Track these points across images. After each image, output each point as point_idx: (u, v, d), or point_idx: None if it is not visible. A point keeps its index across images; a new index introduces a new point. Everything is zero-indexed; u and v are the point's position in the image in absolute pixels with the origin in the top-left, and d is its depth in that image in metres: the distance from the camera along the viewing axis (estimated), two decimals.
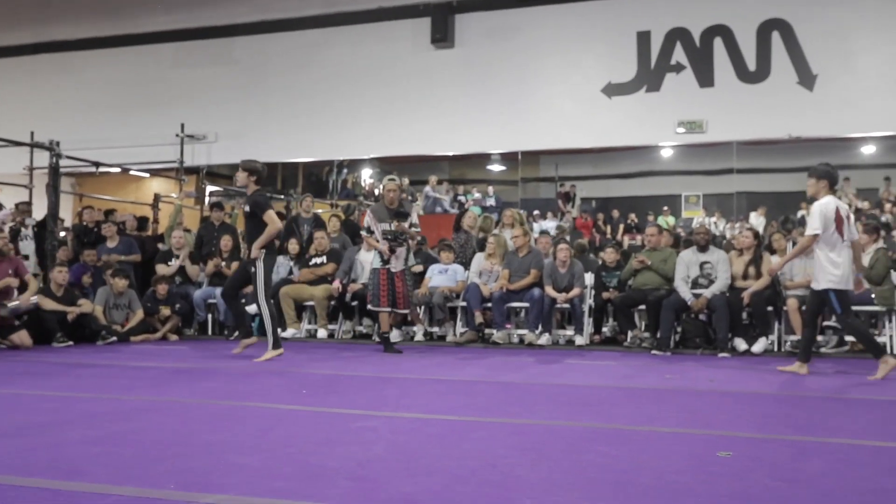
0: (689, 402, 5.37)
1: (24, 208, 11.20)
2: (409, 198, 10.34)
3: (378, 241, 8.34)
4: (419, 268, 10.30)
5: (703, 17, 10.97)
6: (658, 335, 8.88)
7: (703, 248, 9.19)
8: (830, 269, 6.53)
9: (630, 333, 9.44)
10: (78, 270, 10.37)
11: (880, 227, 11.41)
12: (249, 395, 5.40)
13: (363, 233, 8.84)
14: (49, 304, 9.23)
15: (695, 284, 9.01)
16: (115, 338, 9.47)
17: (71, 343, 9.16)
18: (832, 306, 6.68)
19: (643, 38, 11.17)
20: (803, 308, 8.71)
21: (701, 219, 15.51)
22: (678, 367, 7.50)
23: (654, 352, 8.73)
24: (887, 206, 15.58)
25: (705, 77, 10.93)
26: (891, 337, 8.80)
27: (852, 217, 6.97)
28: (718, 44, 10.89)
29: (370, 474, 3.14)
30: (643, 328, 9.44)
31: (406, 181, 18.27)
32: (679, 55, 11.02)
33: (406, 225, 8.40)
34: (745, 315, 8.98)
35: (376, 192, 18.45)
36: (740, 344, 8.76)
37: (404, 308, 8.64)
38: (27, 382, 6.12)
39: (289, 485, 2.98)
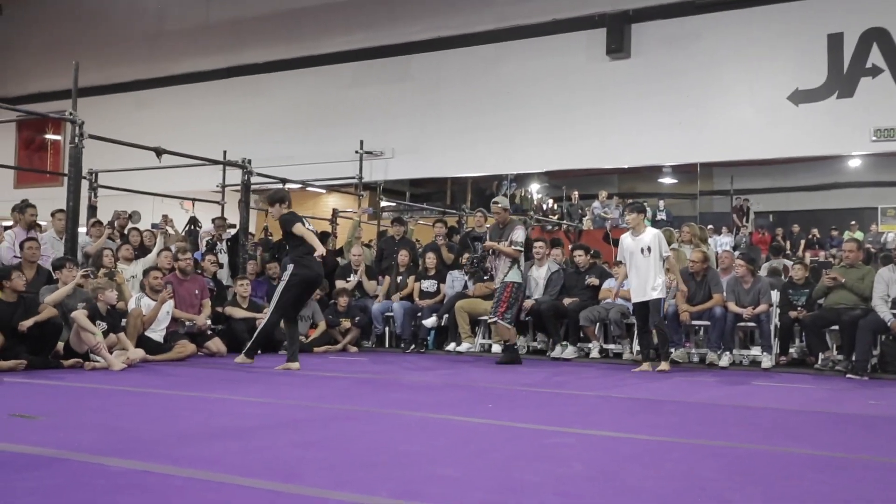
0: None
1: (220, 223, 11.87)
2: (518, 218, 10.75)
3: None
4: (595, 281, 10.22)
5: None
6: (854, 358, 8.40)
7: None
8: None
9: (821, 355, 8.99)
10: (261, 284, 10.86)
11: None
12: (437, 407, 5.51)
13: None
14: (238, 313, 9.77)
15: (895, 304, 8.48)
16: None
17: (258, 351, 9.63)
18: None
19: (835, 41, 10.66)
20: None
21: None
22: (880, 392, 7.09)
23: (849, 375, 8.26)
24: None
25: None
26: None
27: None
28: None
29: (574, 490, 3.14)
30: (836, 350, 8.96)
31: (576, 194, 18.22)
32: (875, 57, 10.44)
33: (507, 243, 8.77)
34: None
35: (545, 206, 18.47)
36: None
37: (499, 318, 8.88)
38: (230, 388, 6.49)
39: (494, 497, 3.02)
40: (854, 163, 14.39)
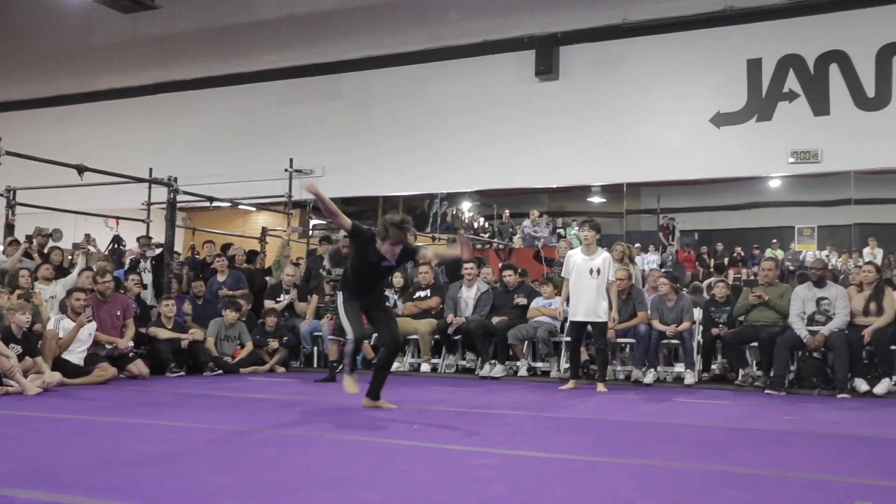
0: (815, 445, 5.20)
1: (144, 242, 11.63)
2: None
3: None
4: (523, 300, 10.28)
5: (818, 43, 10.72)
6: (772, 374, 8.62)
7: (819, 283, 8.90)
8: None
9: (741, 371, 9.19)
10: (179, 301, 10.62)
11: None
12: (362, 429, 5.46)
13: (323, 273, 9.59)
14: (163, 334, 9.59)
15: (811, 321, 8.72)
16: (220, 370, 9.74)
17: (182, 373, 9.48)
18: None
19: (754, 66, 10.99)
20: None
21: (814, 252, 15.04)
22: (796, 407, 7.27)
23: (767, 391, 8.47)
24: None
25: (820, 105, 10.66)
26: None
27: None
28: (834, 70, 10.63)
29: None
30: (755, 366, 9.17)
31: (507, 212, 18.36)
32: (792, 83, 10.79)
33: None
34: (865, 354, 8.63)
35: (476, 224, 18.59)
36: (861, 384, 8.42)
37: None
38: (150, 412, 6.35)
39: None
40: (773, 183, 14.79)
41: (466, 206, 18.49)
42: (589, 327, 8.80)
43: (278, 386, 8.65)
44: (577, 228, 17.48)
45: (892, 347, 8.54)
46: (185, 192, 11.57)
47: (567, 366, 9.77)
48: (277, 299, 11.07)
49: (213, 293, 11.21)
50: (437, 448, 4.70)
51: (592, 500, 3.43)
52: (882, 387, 8.29)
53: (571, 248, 12.54)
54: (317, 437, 5.10)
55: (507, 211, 18.36)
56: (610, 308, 8.59)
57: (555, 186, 13.62)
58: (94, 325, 8.65)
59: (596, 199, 18.16)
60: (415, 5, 12.84)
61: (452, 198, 17.45)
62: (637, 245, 16.45)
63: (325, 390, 8.23)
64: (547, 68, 11.91)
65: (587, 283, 8.49)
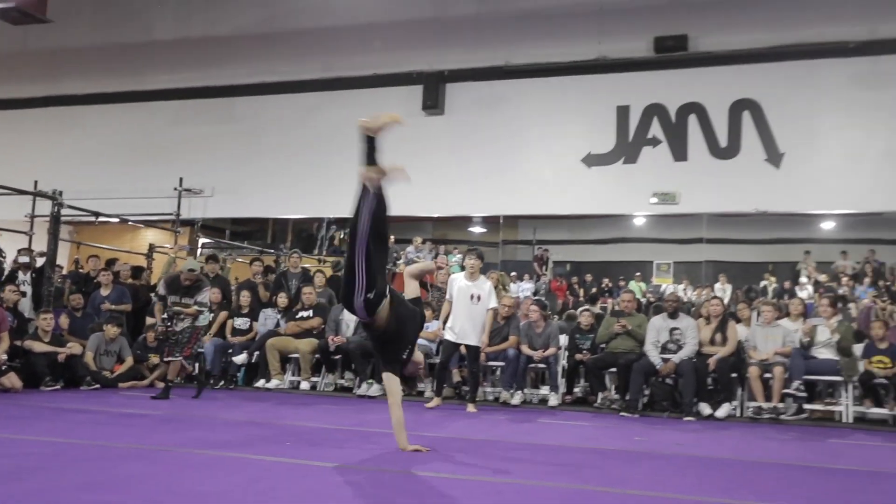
0: (658, 465, 5.38)
1: (25, 254, 11.13)
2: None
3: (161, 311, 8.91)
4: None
5: (679, 95, 11.17)
6: (627, 397, 8.92)
7: (672, 315, 9.28)
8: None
9: (601, 395, 9.45)
10: (58, 314, 10.17)
11: (839, 299, 11.60)
12: (234, 445, 5.37)
13: (155, 298, 9.30)
14: (39, 347, 9.18)
15: (664, 349, 9.08)
16: (98, 385, 9.40)
17: (58, 387, 9.10)
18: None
19: (622, 113, 11.36)
20: (765, 375, 8.83)
21: (671, 286, 15.65)
22: (647, 429, 7.52)
23: (623, 413, 8.75)
24: (843, 278, 15.83)
25: (679, 151, 11.09)
26: (847, 406, 8.88)
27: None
28: (693, 120, 11.08)
29: None
30: (613, 390, 9.45)
31: (391, 238, 18.35)
32: (656, 130, 11.20)
33: (192, 301, 8.53)
34: (710, 380, 9.03)
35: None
36: (705, 408, 8.80)
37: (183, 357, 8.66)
38: (18, 426, 6.06)
39: None
40: (637, 221, 15.38)
41: None
42: (463, 349, 8.91)
43: (155, 402, 8.39)
44: (457, 255, 17.75)
45: (733, 375, 8.98)
46: (71, 207, 11.16)
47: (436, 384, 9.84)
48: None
49: (96, 307, 10.83)
50: (305, 465, 4.67)
51: None
52: (723, 411, 8.71)
53: (449, 275, 12.74)
54: (187, 452, 4.98)
55: (392, 237, 18.41)
56: (484, 332, 8.76)
57: (437, 216, 13.72)
58: None
59: (476, 229, 18.46)
60: (310, 35, 12.77)
61: (340, 222, 17.39)
62: (513, 273, 16.77)
63: (200, 406, 8.03)
64: (433, 103, 12.04)
65: (466, 308, 8.63)
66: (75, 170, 13.27)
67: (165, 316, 8.69)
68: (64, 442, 5.25)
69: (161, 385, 9.00)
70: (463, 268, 17.02)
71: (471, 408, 8.64)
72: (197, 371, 9.56)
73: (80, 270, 12.58)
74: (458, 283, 8.81)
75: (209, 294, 9.00)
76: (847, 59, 10.47)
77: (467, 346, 8.75)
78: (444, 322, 9.02)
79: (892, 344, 9.01)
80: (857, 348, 9.19)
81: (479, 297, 8.66)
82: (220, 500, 3.55)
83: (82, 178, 13.02)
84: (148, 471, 4.27)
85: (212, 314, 10.90)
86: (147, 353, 10.09)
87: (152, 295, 11.17)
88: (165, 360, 8.74)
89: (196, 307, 8.57)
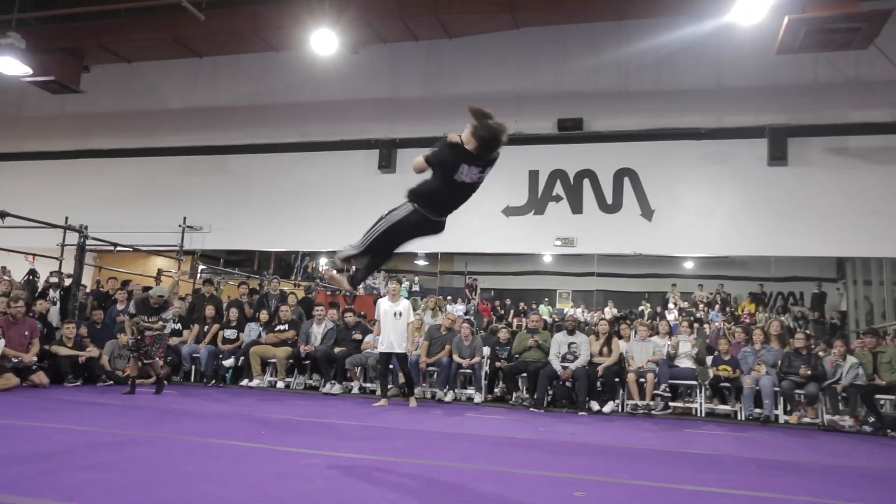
0: (555, 449, 5.40)
1: (56, 275, 10.84)
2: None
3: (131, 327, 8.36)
4: (359, 336, 10.22)
5: (576, 163, 11.36)
6: (535, 396, 8.95)
7: (571, 332, 9.37)
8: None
9: (515, 394, 9.47)
10: (79, 324, 9.82)
11: (696, 322, 11.86)
12: (220, 433, 5.24)
13: (126, 316, 8.66)
14: (63, 351, 8.87)
15: (564, 359, 9.15)
16: (111, 381, 9.10)
17: (79, 383, 8.78)
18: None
19: (533, 175, 11.51)
20: (640, 380, 8.96)
21: (571, 309, 15.82)
22: (549, 422, 7.55)
23: (531, 409, 8.77)
24: (700, 305, 16.21)
25: (576, 206, 11.26)
26: (700, 404, 9.05)
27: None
28: (586, 183, 11.26)
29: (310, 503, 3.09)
30: (524, 391, 9.48)
31: (354, 268, 18.20)
32: (558, 189, 11.36)
33: (155, 319, 8.24)
34: (599, 383, 9.12)
35: (327, 276, 18.37)
36: (595, 405, 8.88)
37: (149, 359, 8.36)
38: (42, 416, 5.83)
39: None
40: (546, 258, 15.48)
41: (323, 261, 18.28)
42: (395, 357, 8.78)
43: (158, 397, 8.14)
44: (406, 283, 17.69)
45: (616, 379, 9.09)
46: (94, 238, 10.86)
47: (390, 387, 9.75)
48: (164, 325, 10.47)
49: (112, 319, 10.50)
50: (276, 450, 4.57)
51: (391, 492, 3.43)
52: (608, 407, 8.79)
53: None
54: (179, 440, 4.84)
55: (354, 267, 18.28)
56: (407, 341, 8.59)
57: None
58: (2, 342, 7.90)
59: (421, 262, 18.41)
60: (290, 108, 12.71)
61: (313, 255, 17.24)
62: (448, 297, 16.77)
63: (190, 401, 7.81)
64: (387, 164, 12.05)
65: (391, 324, 8.47)
66: (99, 208, 12.91)
67: (134, 331, 8.24)
68: (80, 429, 5.06)
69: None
70: (410, 291, 17.07)
71: (412, 402, 8.56)
72: (160, 371, 8.72)
73: (101, 289, 12.19)
74: (384, 306, 8.65)
75: (172, 311, 8.74)
76: (700, 141, 10.80)
77: (396, 354, 8.60)
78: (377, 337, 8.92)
79: (734, 356, 9.24)
80: (709, 359, 9.41)
81: (400, 314, 8.52)
82: (205, 480, 3.45)
83: (104, 215, 12.68)
84: (146, 454, 4.13)
85: (178, 325, 10.63)
86: (122, 359, 9.55)
87: (125, 314, 10.58)
88: (145, 361, 8.32)
89: (161, 322, 8.36)
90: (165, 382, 8.54)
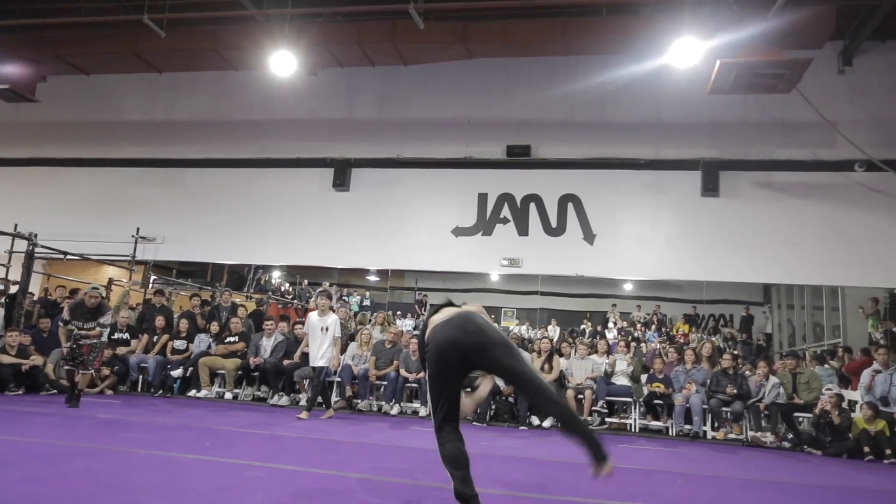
0: (493, 464, 5.42)
1: (1, 282, 10.35)
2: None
3: (66, 334, 7.67)
4: (307, 348, 10.08)
5: (523, 188, 11.47)
6: (478, 411, 8.97)
7: None
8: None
9: None
10: (23, 332, 9.43)
11: (633, 341, 12.09)
12: (163, 446, 5.10)
13: (60, 323, 7.89)
14: (5, 359, 8.53)
15: None
16: (55, 390, 8.78)
17: (20, 392, 8.43)
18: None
19: (482, 198, 11.59)
20: (578, 396, 9.07)
21: (516, 327, 15.94)
22: (491, 436, 7.58)
23: (475, 423, 8.79)
24: (638, 325, 16.55)
25: (523, 228, 11.36)
26: (634, 420, 9.21)
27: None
28: (533, 207, 11.37)
29: None
30: None
31: (305, 282, 18.05)
32: (506, 212, 11.45)
33: (92, 325, 7.62)
34: None
35: (282, 288, 18.13)
36: (535, 420, 8.95)
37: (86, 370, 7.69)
38: None
39: None
40: (493, 277, 15.61)
41: (276, 274, 18.04)
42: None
43: (102, 406, 7.88)
44: (356, 297, 17.58)
45: None
46: (43, 246, 10.49)
47: (336, 399, 9.64)
48: (112, 336, 10.16)
49: (59, 328, 10.10)
50: (219, 462, 4.48)
51: None
52: (548, 422, 8.85)
53: (350, 314, 12.64)
54: (121, 451, 4.69)
55: (306, 280, 18.13)
56: (335, 357, 8.24)
57: (341, 266, 13.54)
58: None
59: (372, 277, 18.32)
60: (248, 125, 12.53)
61: (266, 268, 17.00)
62: (399, 312, 16.73)
63: (136, 412, 7.58)
64: (341, 182, 11.97)
65: (318, 338, 8.16)
66: (51, 217, 12.48)
67: (71, 340, 7.58)
68: (19, 440, 4.86)
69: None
70: (361, 306, 16.96)
71: (329, 413, 8.23)
72: (85, 383, 7.84)
73: (49, 297, 11.77)
74: (311, 320, 8.30)
75: (110, 315, 7.93)
76: (640, 171, 11.06)
77: (316, 367, 8.16)
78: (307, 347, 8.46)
79: (667, 375, 9.45)
80: (644, 377, 9.60)
81: (326, 329, 8.20)
82: (145, 493, 3.36)
83: (57, 223, 12.27)
84: (86, 466, 4.00)
85: (125, 335, 10.29)
86: (100, 367, 9.41)
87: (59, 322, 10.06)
88: (81, 372, 7.60)
89: (98, 328, 7.63)
90: (79, 392, 7.56)
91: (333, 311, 8.54)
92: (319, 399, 8.34)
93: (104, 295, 8.02)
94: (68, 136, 13.18)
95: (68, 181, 13.03)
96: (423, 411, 9.40)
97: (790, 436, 8.57)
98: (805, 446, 8.28)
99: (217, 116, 12.74)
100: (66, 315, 7.71)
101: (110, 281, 12.62)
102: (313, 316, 8.39)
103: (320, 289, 11.71)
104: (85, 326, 7.58)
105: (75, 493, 3.23)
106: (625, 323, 16.95)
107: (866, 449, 7.68)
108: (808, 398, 8.71)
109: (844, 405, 8.58)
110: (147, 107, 13.09)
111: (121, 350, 10.14)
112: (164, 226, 12.43)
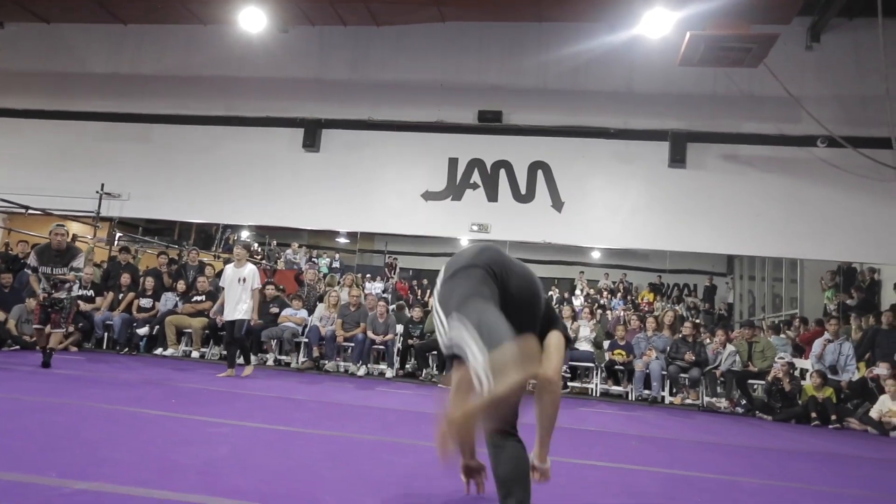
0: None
1: None
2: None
3: (38, 281, 7.01)
4: (276, 309, 10.10)
5: (494, 154, 11.48)
6: (443, 372, 9.11)
7: None
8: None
9: (425, 370, 9.62)
10: None
11: (599, 308, 12.30)
12: (127, 402, 5.10)
13: (28, 271, 7.21)
14: None
15: None
16: (18, 346, 8.67)
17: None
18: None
19: (452, 163, 11.58)
20: None
21: None
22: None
23: (440, 385, 8.93)
24: (604, 293, 16.83)
25: (492, 194, 11.40)
26: (596, 384, 9.45)
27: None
28: (503, 173, 11.41)
29: (213, 470, 3.09)
30: (434, 367, 9.64)
31: (274, 242, 17.94)
32: (476, 177, 11.46)
33: (67, 269, 7.00)
34: None
35: (250, 248, 17.99)
36: None
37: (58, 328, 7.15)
38: None
39: (148, 476, 2.88)
40: (462, 242, 15.68)
41: (245, 234, 17.88)
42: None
43: (66, 363, 7.82)
44: (325, 259, 17.54)
45: None
46: (3, 200, 10.24)
47: (304, 359, 9.70)
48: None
49: (22, 283, 9.95)
50: (184, 418, 4.51)
51: (289, 460, 3.46)
52: None
53: (318, 276, 12.62)
54: (84, 406, 4.69)
55: (275, 241, 18.01)
56: (253, 310, 7.81)
57: (311, 228, 13.47)
58: None
59: (341, 240, 18.28)
60: (217, 81, 12.27)
61: (235, 228, 16.84)
62: (368, 275, 16.75)
63: (100, 368, 7.55)
64: (311, 143, 11.84)
65: (235, 291, 7.70)
66: (11, 170, 12.16)
67: (45, 286, 6.94)
68: None
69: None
70: (330, 268, 16.92)
71: (247, 370, 7.84)
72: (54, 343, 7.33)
73: (10, 252, 11.54)
74: (228, 272, 7.81)
75: (83, 259, 7.31)
76: (609, 140, 11.13)
77: (234, 320, 7.67)
78: (222, 307, 7.90)
79: (628, 342, 9.68)
80: (606, 343, 9.82)
81: (244, 280, 7.68)
82: (106, 446, 3.38)
83: (17, 177, 11.97)
84: (48, 420, 4.00)
85: (90, 291, 10.16)
86: (30, 324, 8.79)
87: (27, 271, 8.22)
88: (52, 330, 7.03)
89: (73, 273, 6.99)
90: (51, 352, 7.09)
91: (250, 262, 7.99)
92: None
93: (70, 233, 7.40)
94: (28, 87, 12.77)
95: (29, 133, 12.67)
96: (389, 373, 9.52)
97: (743, 402, 8.89)
98: (757, 412, 8.60)
99: (185, 71, 12.44)
100: (32, 261, 7.02)
101: (74, 237, 12.37)
102: (229, 268, 7.91)
103: (240, 241, 11.59)
104: (55, 271, 6.95)
105: (34, 446, 3.23)
106: (592, 290, 17.22)
107: (813, 415, 8.01)
108: (762, 366, 9.01)
109: (796, 373, 8.90)
110: (112, 59, 12.72)
111: (85, 307, 10.02)
112: (129, 182, 12.20)
